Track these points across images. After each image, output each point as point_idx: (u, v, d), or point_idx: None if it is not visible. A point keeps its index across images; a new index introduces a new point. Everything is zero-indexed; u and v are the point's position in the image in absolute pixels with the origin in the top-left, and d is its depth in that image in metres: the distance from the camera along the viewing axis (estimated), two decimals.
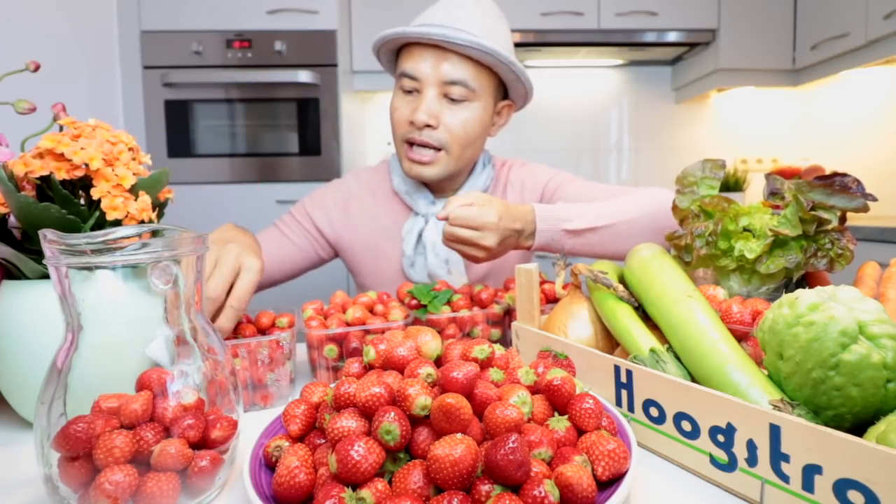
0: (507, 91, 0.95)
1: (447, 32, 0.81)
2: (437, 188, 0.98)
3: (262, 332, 0.62)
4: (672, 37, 2.19)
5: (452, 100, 0.87)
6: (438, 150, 0.89)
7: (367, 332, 0.61)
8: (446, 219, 0.69)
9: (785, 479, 0.34)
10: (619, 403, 0.46)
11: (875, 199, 0.48)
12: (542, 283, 0.72)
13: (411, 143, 0.89)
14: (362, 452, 0.31)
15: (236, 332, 0.61)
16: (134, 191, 0.52)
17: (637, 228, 0.77)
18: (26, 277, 0.50)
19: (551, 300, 0.70)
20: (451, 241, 0.70)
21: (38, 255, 0.50)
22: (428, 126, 0.86)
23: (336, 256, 1.04)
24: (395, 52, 0.93)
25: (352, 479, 0.31)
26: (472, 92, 0.87)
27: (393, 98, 0.92)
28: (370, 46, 0.92)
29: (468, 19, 0.85)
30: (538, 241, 0.75)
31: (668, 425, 0.42)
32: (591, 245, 0.78)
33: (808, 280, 0.55)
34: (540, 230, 0.74)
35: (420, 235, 0.95)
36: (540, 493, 0.30)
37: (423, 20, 0.88)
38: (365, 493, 0.31)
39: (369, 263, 1.00)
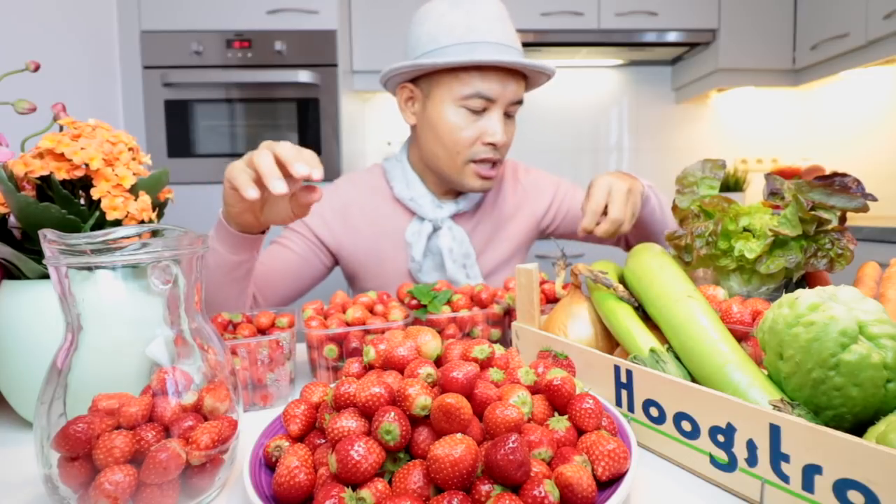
0: None
1: (524, 61, 0.84)
2: (442, 192, 0.98)
3: (262, 332, 0.62)
4: (672, 37, 2.19)
5: (508, 116, 0.90)
6: (496, 163, 0.92)
7: (367, 332, 0.61)
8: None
9: (785, 479, 0.34)
10: (619, 403, 0.46)
11: (875, 199, 0.48)
12: (542, 283, 0.72)
13: (476, 161, 0.90)
14: (362, 452, 0.31)
15: (236, 331, 0.61)
16: (134, 191, 0.52)
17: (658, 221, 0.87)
18: (26, 277, 0.50)
19: (551, 300, 0.70)
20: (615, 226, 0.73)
21: (38, 255, 0.50)
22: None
23: (336, 265, 1.02)
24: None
25: (352, 479, 0.31)
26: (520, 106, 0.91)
27: (448, 115, 0.87)
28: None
29: (511, 33, 0.88)
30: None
31: (668, 425, 0.42)
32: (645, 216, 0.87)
33: (808, 280, 0.55)
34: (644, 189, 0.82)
35: (429, 241, 0.95)
36: (540, 493, 0.30)
37: (467, 37, 0.85)
38: (365, 493, 0.31)
39: (373, 268, 0.98)
